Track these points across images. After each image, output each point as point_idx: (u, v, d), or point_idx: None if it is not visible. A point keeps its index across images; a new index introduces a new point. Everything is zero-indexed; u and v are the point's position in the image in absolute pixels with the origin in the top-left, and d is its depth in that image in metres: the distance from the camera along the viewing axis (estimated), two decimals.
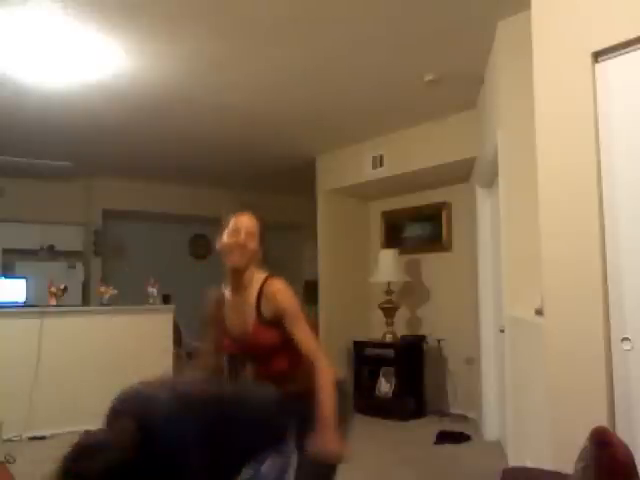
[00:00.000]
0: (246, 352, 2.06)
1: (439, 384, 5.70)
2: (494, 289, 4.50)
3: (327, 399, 1.87)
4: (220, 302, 2.14)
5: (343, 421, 1.97)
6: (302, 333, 1.95)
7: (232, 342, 2.08)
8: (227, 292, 2.12)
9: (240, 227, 2.01)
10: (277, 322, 1.96)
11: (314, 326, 2.09)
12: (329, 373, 1.91)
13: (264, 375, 2.04)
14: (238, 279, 2.04)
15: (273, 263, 2.13)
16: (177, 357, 5.74)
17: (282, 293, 1.98)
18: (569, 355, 2.21)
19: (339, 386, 1.96)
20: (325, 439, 1.84)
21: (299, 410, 1.90)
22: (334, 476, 1.99)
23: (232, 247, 2.00)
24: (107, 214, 7.32)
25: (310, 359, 1.92)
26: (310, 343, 1.95)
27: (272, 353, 2.00)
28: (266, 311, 1.97)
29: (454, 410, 5.52)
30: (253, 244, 2.02)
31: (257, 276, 2.04)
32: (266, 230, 2.11)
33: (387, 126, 5.26)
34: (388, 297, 5.70)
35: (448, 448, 4.35)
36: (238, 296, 2.06)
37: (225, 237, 2.03)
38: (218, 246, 2.05)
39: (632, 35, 2.06)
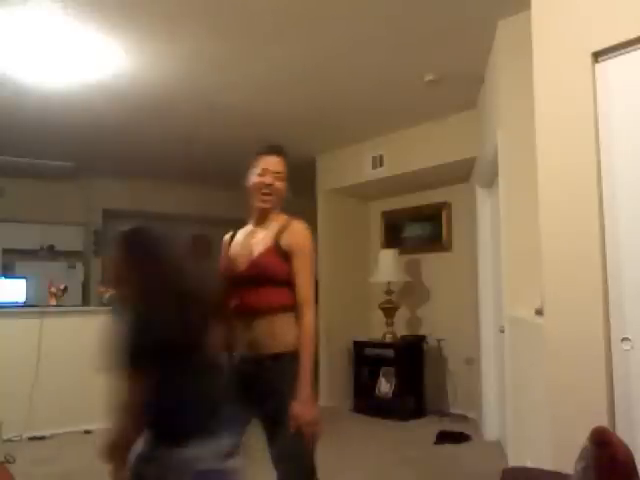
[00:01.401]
0: (249, 276, 2.02)
1: (439, 384, 5.71)
2: (494, 289, 4.50)
3: (306, 358, 1.92)
4: (231, 238, 2.21)
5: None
6: (304, 278, 2.00)
7: (242, 268, 2.05)
8: (244, 229, 2.19)
9: (268, 167, 2.09)
10: (288, 257, 2.00)
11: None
12: (310, 328, 1.96)
13: (256, 305, 1.99)
14: (263, 215, 2.12)
15: None
16: None
17: (303, 233, 2.05)
18: (569, 355, 2.21)
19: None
20: (302, 402, 1.88)
21: (283, 372, 1.93)
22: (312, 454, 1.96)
23: (260, 186, 2.08)
24: (107, 214, 7.32)
25: (300, 306, 1.98)
26: (307, 290, 2.00)
27: (273, 282, 2.00)
28: (283, 242, 2.02)
29: (454, 410, 5.52)
30: (280, 184, 2.10)
31: (282, 216, 2.12)
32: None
33: (387, 126, 5.26)
34: (388, 297, 5.70)
35: (448, 448, 4.35)
36: (258, 227, 2.13)
37: (254, 177, 2.11)
38: (247, 185, 2.13)
39: (632, 35, 2.06)
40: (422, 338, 5.69)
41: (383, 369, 5.58)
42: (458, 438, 4.55)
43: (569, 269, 2.23)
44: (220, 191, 7.62)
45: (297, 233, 2.04)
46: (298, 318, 1.98)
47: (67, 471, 3.81)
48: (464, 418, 5.28)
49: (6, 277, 6.18)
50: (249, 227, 2.18)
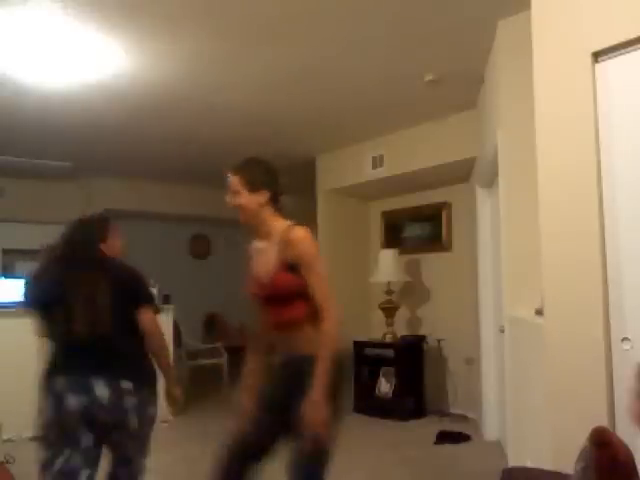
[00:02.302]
0: (265, 296, 2.09)
1: (439, 384, 5.71)
2: (494, 289, 4.50)
3: (323, 359, 1.93)
4: (251, 254, 2.22)
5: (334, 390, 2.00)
6: (315, 280, 2.00)
7: (257, 288, 2.12)
8: (257, 243, 2.21)
9: (229, 188, 2.10)
10: (296, 268, 2.01)
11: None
12: (332, 326, 1.97)
13: (279, 321, 2.07)
14: (255, 230, 2.15)
15: None
16: (177, 357, 5.75)
17: (301, 241, 2.03)
18: (569, 355, 2.21)
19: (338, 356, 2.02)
20: (313, 402, 1.89)
21: (301, 376, 1.95)
22: (326, 459, 1.97)
23: (232, 207, 2.11)
24: (107, 214, 7.31)
25: (320, 307, 1.99)
26: (322, 291, 2.00)
27: (288, 298, 2.02)
28: (289, 256, 2.02)
29: (454, 410, 5.52)
30: (240, 199, 2.08)
31: (279, 224, 2.11)
32: (271, 176, 2.15)
33: (387, 126, 5.25)
34: (388, 297, 5.70)
35: (448, 448, 4.35)
36: (264, 243, 2.14)
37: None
38: None
39: (632, 35, 2.06)
40: (422, 338, 5.68)
41: (383, 369, 5.58)
42: (458, 438, 4.55)
43: (569, 269, 2.23)
44: (220, 191, 7.59)
45: (299, 243, 2.03)
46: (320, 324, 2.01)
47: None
48: (464, 418, 5.28)
49: (6, 277, 6.18)
50: (259, 243, 2.19)
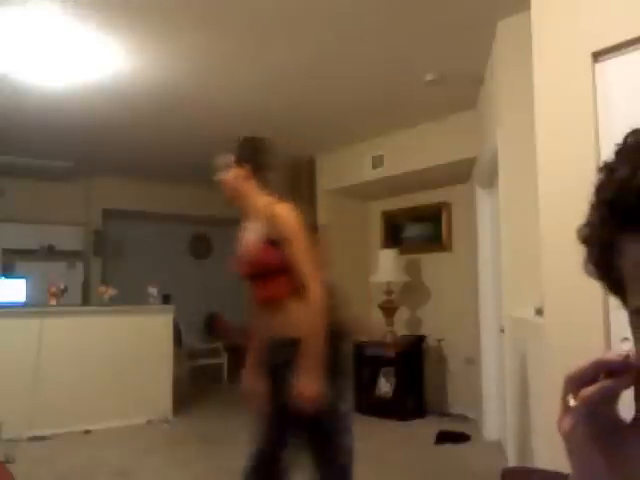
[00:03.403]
0: (250, 273, 2.08)
1: (439, 384, 5.70)
2: (494, 289, 4.50)
3: (312, 332, 1.91)
4: (240, 233, 2.23)
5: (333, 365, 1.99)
6: (298, 255, 1.98)
7: (243, 266, 2.12)
8: (246, 222, 2.23)
9: (216, 166, 2.16)
10: (279, 243, 2.00)
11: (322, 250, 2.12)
12: (317, 301, 1.93)
13: (263, 298, 2.06)
14: (241, 207, 2.16)
15: None
16: (177, 357, 5.75)
17: (284, 216, 2.02)
18: (569, 355, 2.21)
19: (339, 327, 2.01)
20: (304, 375, 1.88)
21: (288, 357, 1.94)
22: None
23: (220, 185, 2.15)
24: (107, 214, 7.32)
25: (303, 282, 1.96)
26: (305, 266, 1.97)
27: (271, 274, 2.01)
28: (269, 231, 2.02)
29: (454, 410, 5.51)
30: (227, 174, 2.13)
31: (263, 199, 2.11)
32: (254, 150, 2.16)
33: (387, 126, 5.25)
34: (388, 297, 5.70)
35: (448, 448, 4.35)
36: (249, 221, 2.16)
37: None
38: None
39: (632, 35, 2.06)
40: (422, 338, 5.68)
41: (383, 369, 5.58)
42: (458, 438, 4.54)
43: (569, 269, 2.22)
44: (220, 191, 7.61)
45: (278, 218, 2.02)
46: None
47: (67, 471, 3.81)
48: (464, 418, 5.28)
49: (6, 277, 6.18)
50: (246, 222, 2.21)
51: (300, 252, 1.98)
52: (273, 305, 2.03)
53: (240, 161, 2.11)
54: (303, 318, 1.95)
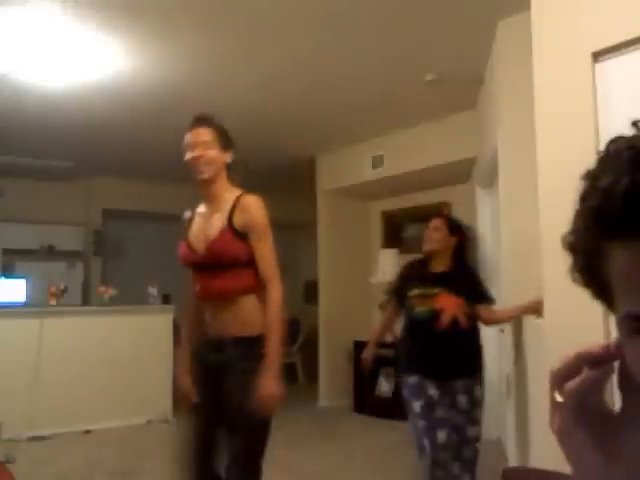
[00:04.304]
0: (207, 262, 1.98)
1: None
2: (494, 289, 4.49)
3: (274, 335, 1.88)
4: (190, 221, 2.14)
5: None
6: (265, 254, 1.95)
7: (196, 254, 2.01)
8: (199, 208, 2.13)
9: (196, 140, 2.00)
10: (245, 236, 1.94)
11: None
12: (277, 305, 1.90)
13: (218, 289, 1.96)
14: (209, 191, 2.05)
15: None
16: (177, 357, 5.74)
17: (256, 207, 1.98)
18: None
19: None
20: (265, 380, 1.84)
21: (250, 354, 1.90)
22: (267, 432, 1.93)
23: (192, 162, 2.00)
24: (107, 214, 7.32)
25: (265, 283, 1.93)
26: (269, 262, 1.95)
27: (235, 266, 1.95)
28: (237, 222, 1.95)
29: None
30: (212, 152, 2.01)
31: (232, 190, 2.04)
32: (232, 142, 2.09)
33: (387, 126, 5.25)
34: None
35: None
36: (211, 208, 2.06)
37: (186, 156, 2.02)
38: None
39: (632, 35, 2.06)
40: None
41: (383, 369, 5.58)
42: None
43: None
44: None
45: (249, 209, 1.96)
46: (265, 296, 1.94)
47: (67, 471, 3.81)
48: None
49: (6, 277, 6.18)
50: (203, 208, 2.12)
51: (267, 248, 1.95)
52: (226, 299, 1.95)
53: (227, 146, 2.06)
54: (261, 316, 1.92)
